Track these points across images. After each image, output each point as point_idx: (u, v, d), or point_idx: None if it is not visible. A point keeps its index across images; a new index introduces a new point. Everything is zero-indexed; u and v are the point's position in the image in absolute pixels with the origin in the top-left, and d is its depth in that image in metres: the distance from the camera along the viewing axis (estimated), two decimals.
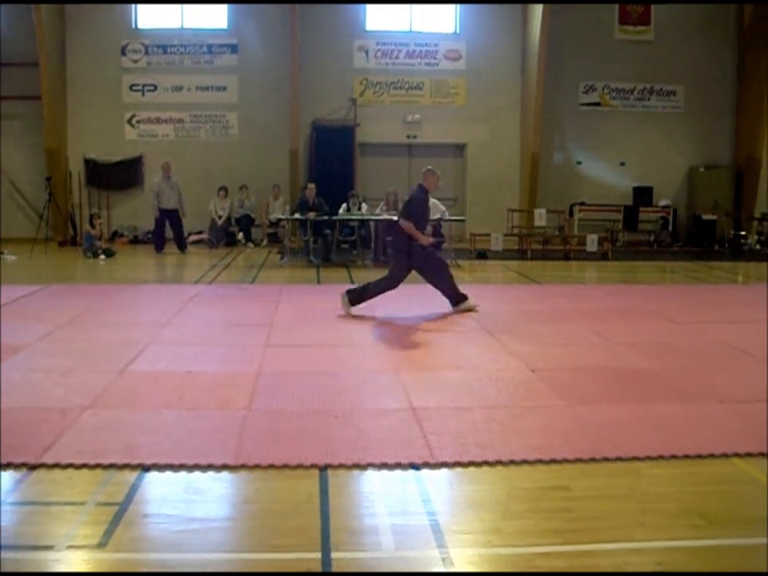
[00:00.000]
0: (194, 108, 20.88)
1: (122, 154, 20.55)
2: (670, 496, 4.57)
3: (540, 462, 5.02)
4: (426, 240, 10.30)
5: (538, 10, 20.08)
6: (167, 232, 18.46)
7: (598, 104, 21.90)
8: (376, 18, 21.18)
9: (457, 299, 10.44)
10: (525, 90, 21.27)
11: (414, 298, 11.27)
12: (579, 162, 21.94)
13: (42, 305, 10.63)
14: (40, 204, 19.04)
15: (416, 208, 10.18)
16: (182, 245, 18.28)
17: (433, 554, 3.86)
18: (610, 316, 10.37)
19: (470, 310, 10.37)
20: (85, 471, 4.81)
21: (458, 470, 4.92)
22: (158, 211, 17.97)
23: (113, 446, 5.19)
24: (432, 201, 16.32)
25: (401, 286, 10.28)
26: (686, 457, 5.13)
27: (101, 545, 3.89)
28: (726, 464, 5.06)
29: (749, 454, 5.18)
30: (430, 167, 10.66)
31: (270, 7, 20.29)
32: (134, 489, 4.59)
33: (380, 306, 10.80)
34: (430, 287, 10.60)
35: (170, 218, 18.17)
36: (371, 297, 10.29)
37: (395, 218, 16.02)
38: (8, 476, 4.73)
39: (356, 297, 10.28)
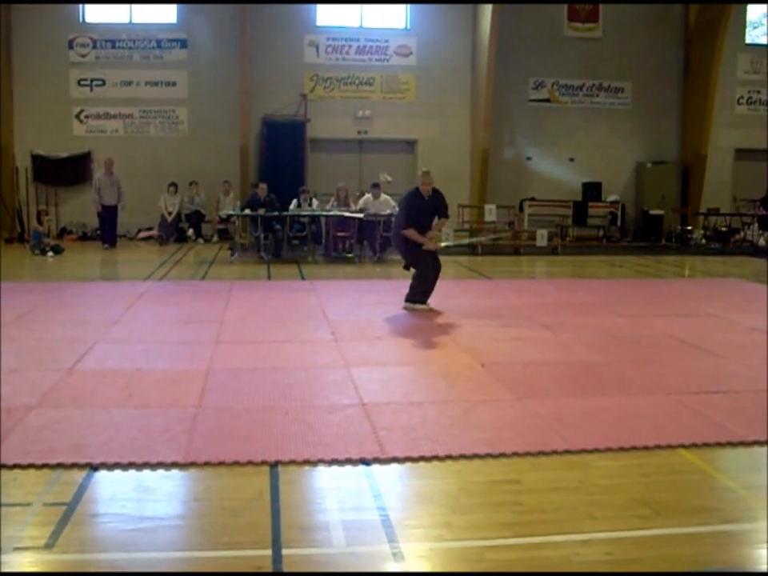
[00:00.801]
0: (144, 103, 20.66)
1: (70, 149, 20.24)
2: (618, 487, 4.63)
3: (490, 455, 5.05)
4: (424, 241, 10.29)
5: (488, 6, 20.19)
6: None
7: (547, 100, 22.09)
8: (327, 14, 21.12)
9: (414, 298, 10.46)
10: (475, 86, 21.35)
11: (365, 296, 11.28)
12: (529, 158, 22.11)
13: None
14: None
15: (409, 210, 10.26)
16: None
17: (384, 548, 3.86)
18: (559, 310, 10.46)
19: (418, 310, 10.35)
20: (31, 471, 4.74)
21: (409, 464, 4.94)
22: (99, 206, 18.08)
23: (60, 445, 5.13)
24: (383, 197, 16.45)
25: (353, 283, 10.25)
26: (634, 448, 5.20)
27: (48, 546, 3.83)
28: (673, 455, 5.13)
29: (694, 445, 5.27)
30: (425, 169, 10.75)
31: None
32: (82, 488, 4.53)
33: (331, 303, 10.81)
34: (384, 284, 10.60)
35: (108, 213, 18.35)
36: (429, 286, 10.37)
37: (347, 213, 16.13)
38: None
39: (418, 295, 10.33)
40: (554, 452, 5.13)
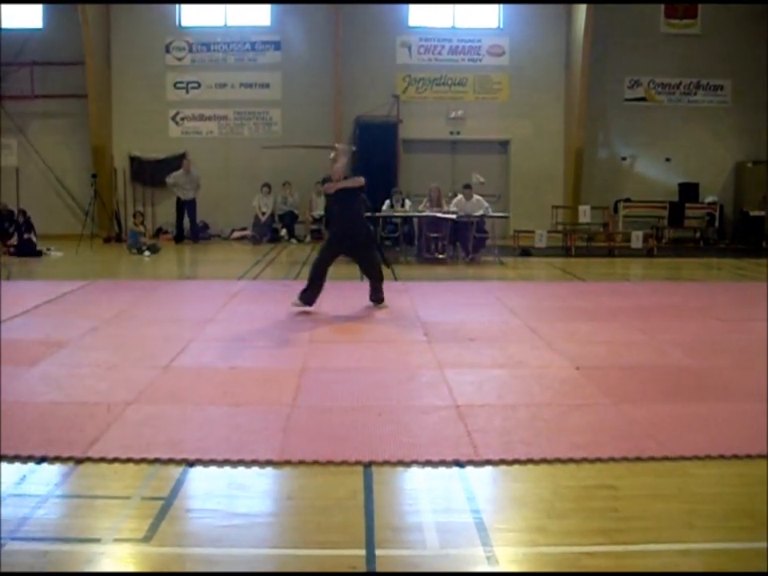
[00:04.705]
0: (238, 105, 20.95)
1: (167, 151, 20.64)
2: (719, 497, 4.50)
3: (586, 460, 4.96)
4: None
5: (582, 4, 19.91)
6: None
7: (643, 99, 21.65)
8: (419, 14, 21.09)
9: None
10: (568, 85, 21.08)
11: (457, 297, 11.22)
12: (624, 158, 21.71)
13: (88, 300, 10.74)
14: (86, 201, 19.28)
15: None
16: (195, 235, 19.64)
17: (477, 552, 3.83)
18: (655, 313, 10.25)
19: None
20: (130, 465, 4.85)
21: (503, 467, 4.89)
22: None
23: (157, 440, 5.22)
24: (476, 198, 16.38)
25: (446, 284, 10.12)
26: (735, 457, 5.04)
27: (146, 538, 3.91)
28: None
29: None
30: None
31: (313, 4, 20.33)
32: (178, 483, 4.61)
33: (424, 304, 10.79)
34: (476, 286, 10.55)
35: (187, 208, 19.51)
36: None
37: (439, 214, 16.11)
38: (55, 469, 4.79)
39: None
40: (652, 458, 5.01)
